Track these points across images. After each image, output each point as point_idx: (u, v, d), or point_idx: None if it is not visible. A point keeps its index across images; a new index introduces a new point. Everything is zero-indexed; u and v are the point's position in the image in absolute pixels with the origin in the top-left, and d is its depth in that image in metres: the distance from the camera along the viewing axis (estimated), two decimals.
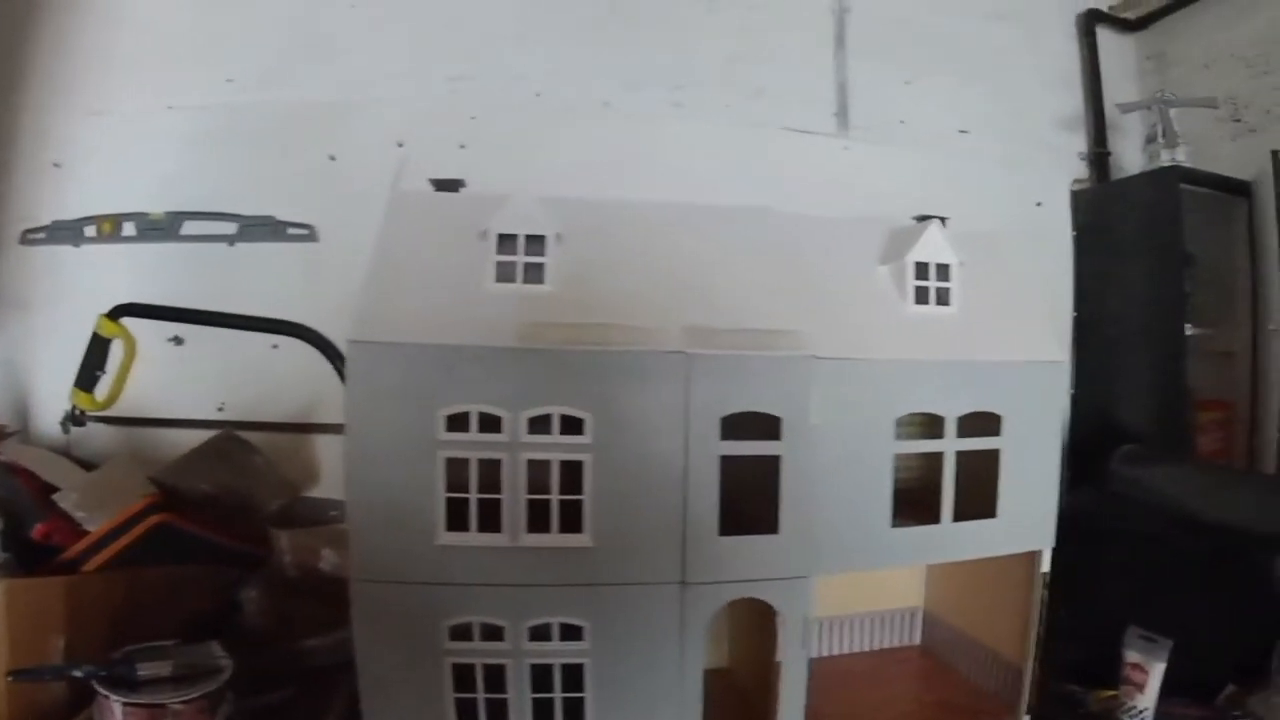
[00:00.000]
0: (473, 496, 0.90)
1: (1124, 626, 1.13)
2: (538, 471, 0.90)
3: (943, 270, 1.02)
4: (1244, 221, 1.55)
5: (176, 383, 1.40)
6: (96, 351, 1.29)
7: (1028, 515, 1.04)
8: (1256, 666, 1.20)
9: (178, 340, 1.41)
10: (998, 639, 1.16)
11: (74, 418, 1.31)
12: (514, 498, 0.90)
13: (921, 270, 1.01)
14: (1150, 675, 1.08)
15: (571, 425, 0.90)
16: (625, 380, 0.90)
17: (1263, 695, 1.19)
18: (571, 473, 0.90)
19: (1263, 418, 1.50)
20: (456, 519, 0.90)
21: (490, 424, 0.89)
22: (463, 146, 1.42)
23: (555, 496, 0.90)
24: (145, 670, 0.94)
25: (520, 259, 0.94)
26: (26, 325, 1.45)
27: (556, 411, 0.89)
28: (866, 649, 1.33)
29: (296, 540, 1.20)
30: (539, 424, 0.90)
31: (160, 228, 1.38)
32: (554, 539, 0.91)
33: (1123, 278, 1.50)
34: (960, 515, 1.01)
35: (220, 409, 1.39)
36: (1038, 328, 1.05)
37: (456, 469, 0.90)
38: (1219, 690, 1.20)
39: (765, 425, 0.93)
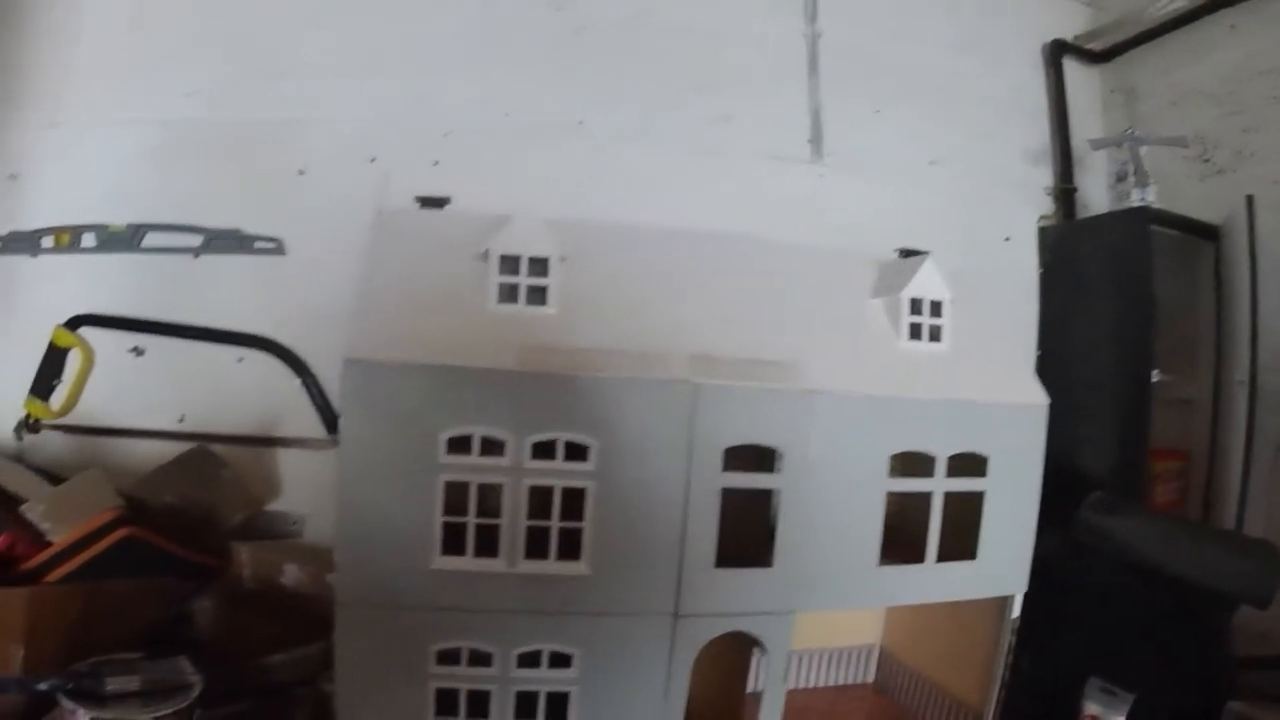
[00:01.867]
0: (471, 521, 0.88)
1: (1082, 678, 1.15)
2: (537, 497, 0.89)
3: (936, 307, 1.04)
4: (1210, 266, 1.54)
5: (136, 393, 1.35)
6: (52, 361, 1.27)
7: (1004, 559, 1.06)
8: None
9: (138, 351, 1.36)
10: (957, 683, 1.18)
11: (28, 426, 1.29)
12: (514, 523, 0.89)
13: (916, 306, 1.03)
14: None
15: (576, 452, 0.89)
16: (631, 408, 0.89)
17: None
18: (572, 500, 0.89)
19: (1221, 470, 1.50)
20: (453, 542, 0.89)
21: (492, 448, 0.88)
22: (436, 163, 1.41)
23: (555, 524, 0.89)
24: (114, 684, 0.90)
25: (523, 281, 0.93)
26: None
27: (561, 438, 0.88)
28: (820, 685, 1.34)
29: (258, 554, 1.16)
30: (542, 449, 0.88)
31: (121, 239, 1.34)
32: (551, 566, 0.90)
33: (1088, 318, 1.52)
34: (942, 556, 1.03)
35: (181, 420, 1.35)
36: (1020, 369, 1.09)
37: (454, 492, 0.88)
38: None
39: (762, 457, 0.94)
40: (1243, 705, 1.22)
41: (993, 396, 1.03)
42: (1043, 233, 1.68)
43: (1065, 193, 1.73)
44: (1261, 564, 1.17)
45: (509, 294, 0.93)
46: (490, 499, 0.89)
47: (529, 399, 0.88)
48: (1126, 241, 1.46)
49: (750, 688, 1.07)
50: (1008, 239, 1.67)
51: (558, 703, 0.93)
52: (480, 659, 0.92)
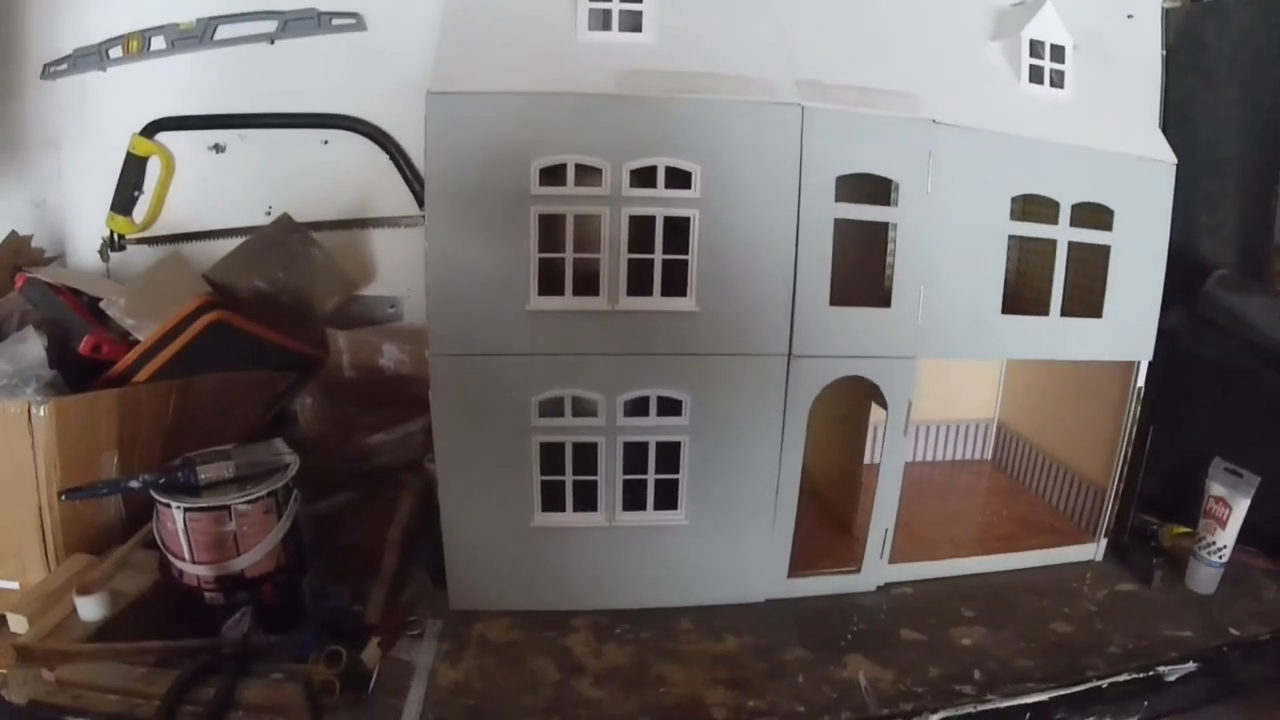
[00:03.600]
0: (568, 255, 0.83)
1: (1206, 460, 1.08)
2: (639, 229, 0.84)
3: (1057, 51, 0.96)
4: None
5: (221, 191, 1.33)
6: (131, 173, 1.24)
7: (1131, 321, 0.99)
8: None
9: (218, 148, 1.33)
10: (1079, 457, 1.14)
11: (113, 244, 1.27)
12: (614, 257, 0.84)
13: (1036, 49, 0.96)
14: (1234, 511, 1.03)
15: (678, 179, 0.83)
16: (737, 133, 0.83)
17: None
18: (677, 231, 0.84)
19: None
20: (549, 282, 0.84)
21: (588, 177, 0.83)
22: None
23: (659, 256, 0.84)
24: (206, 473, 0.87)
25: (616, 5, 0.87)
26: (57, 161, 1.37)
27: (662, 163, 0.83)
28: (939, 459, 1.32)
29: (355, 339, 1.12)
30: (642, 177, 0.83)
31: (193, 36, 1.29)
32: (656, 303, 0.85)
33: (1213, 104, 1.45)
34: (1068, 313, 0.96)
35: (268, 212, 1.31)
36: (1148, 126, 1.01)
37: (549, 225, 0.83)
38: None
39: (879, 191, 0.88)
40: None
41: (1120, 148, 0.96)
42: (1167, 14, 1.59)
43: None
44: None
45: (602, 20, 0.87)
46: (590, 233, 0.84)
47: (627, 124, 0.82)
48: (1256, 25, 1.37)
49: (868, 459, 1.01)
50: (1130, 16, 1.57)
51: (669, 454, 0.89)
52: (585, 409, 0.87)
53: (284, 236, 1.21)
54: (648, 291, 0.84)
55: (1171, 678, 0.94)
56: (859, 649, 0.90)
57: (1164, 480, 1.10)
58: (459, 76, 0.83)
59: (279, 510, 0.88)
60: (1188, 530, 1.09)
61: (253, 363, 1.06)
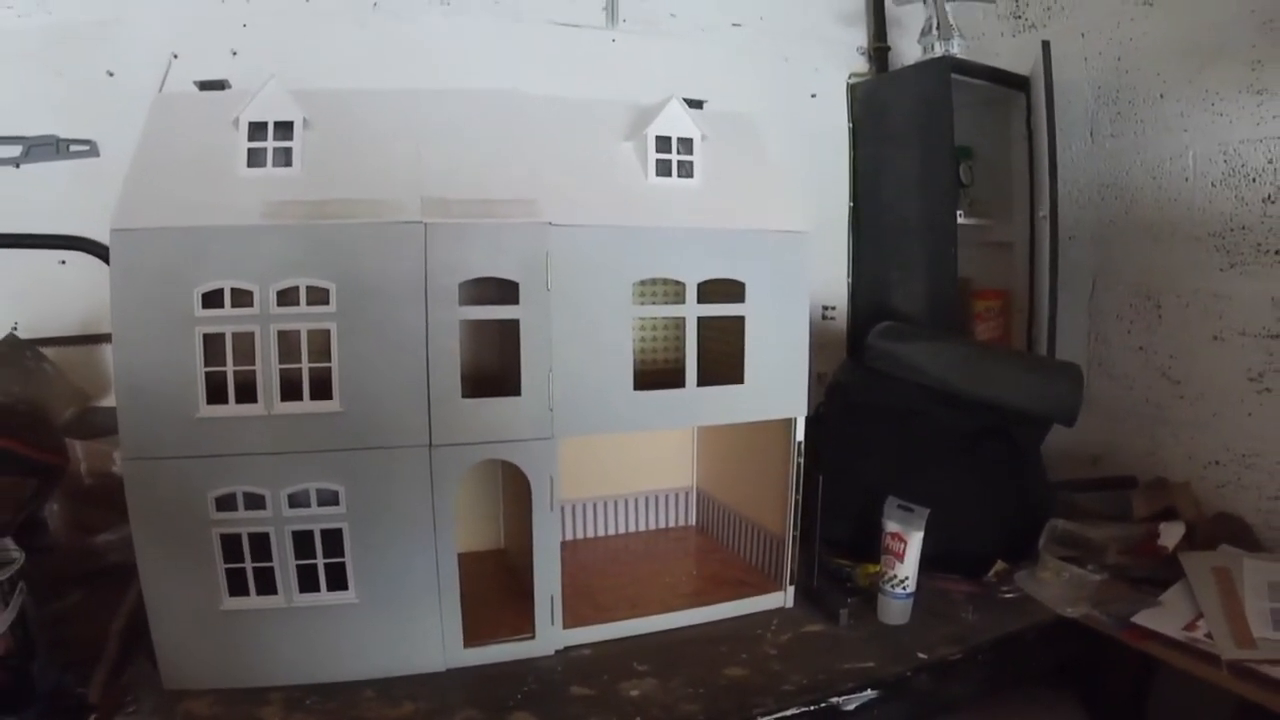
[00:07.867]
0: (229, 369, 0.94)
1: (884, 498, 1.15)
2: (287, 342, 0.95)
3: (685, 144, 1.07)
4: (1022, 116, 1.60)
5: None
6: None
7: (776, 383, 1.09)
8: (1024, 543, 1.26)
9: None
10: (762, 512, 1.23)
11: None
12: (266, 368, 0.94)
13: (663, 144, 1.06)
14: (909, 544, 1.10)
15: (318, 296, 0.94)
16: (368, 251, 0.95)
17: (1029, 571, 1.24)
18: (321, 342, 0.95)
19: (1038, 306, 1.56)
20: (216, 393, 0.95)
21: (243, 299, 0.94)
22: (235, 53, 1.45)
23: (305, 365, 0.95)
24: None
25: (270, 144, 0.99)
26: None
27: (303, 283, 0.94)
28: (644, 529, 1.40)
29: (91, 448, 1.23)
30: (289, 296, 0.94)
31: None
32: (306, 406, 0.95)
33: (896, 168, 1.54)
34: (709, 382, 1.05)
35: (14, 328, 1.39)
36: (782, 201, 1.11)
37: (214, 344, 0.94)
38: (989, 567, 1.24)
39: (507, 291, 0.98)
40: (1067, 522, 1.22)
41: (750, 225, 1.06)
42: (852, 89, 1.71)
43: (879, 51, 1.75)
44: (1064, 383, 1.16)
45: (258, 158, 1.00)
46: (249, 348, 0.95)
47: (271, 251, 0.94)
48: (928, 90, 1.50)
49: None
50: (814, 96, 1.68)
51: (333, 539, 0.98)
52: (255, 502, 0.97)
53: (14, 354, 1.31)
54: (298, 396, 0.95)
55: (849, 707, 1.01)
56: (528, 707, 0.97)
57: (854, 524, 1.18)
58: (138, 213, 0.95)
59: (4, 600, 0.99)
60: (879, 567, 1.16)
61: None
